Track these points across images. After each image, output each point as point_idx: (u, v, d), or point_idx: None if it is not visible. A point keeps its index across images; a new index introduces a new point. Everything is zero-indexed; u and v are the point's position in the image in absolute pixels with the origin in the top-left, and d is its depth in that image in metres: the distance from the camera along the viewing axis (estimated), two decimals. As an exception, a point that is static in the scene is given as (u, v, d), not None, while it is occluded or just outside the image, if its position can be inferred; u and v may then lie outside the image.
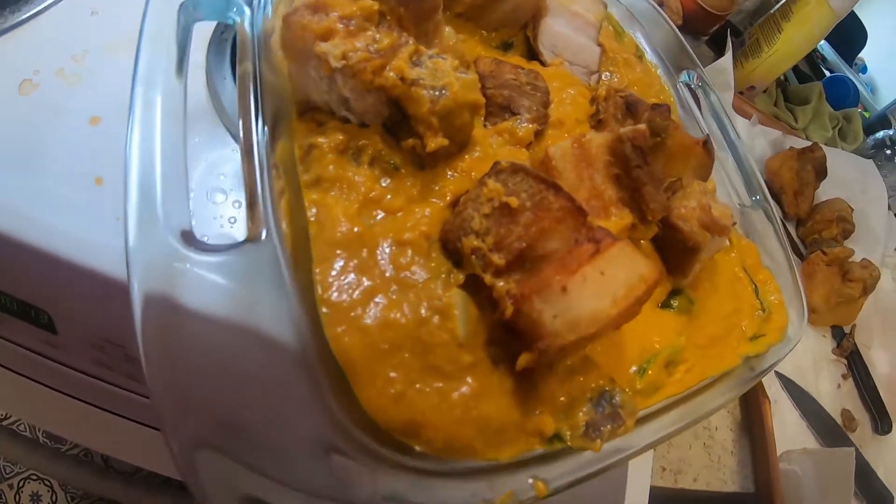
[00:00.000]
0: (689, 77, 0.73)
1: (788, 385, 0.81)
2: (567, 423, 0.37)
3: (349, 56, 0.40)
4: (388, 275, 0.36)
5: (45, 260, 0.46)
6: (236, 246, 0.34)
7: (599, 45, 0.61)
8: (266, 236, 0.35)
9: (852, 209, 1.00)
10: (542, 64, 0.57)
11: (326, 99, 0.43)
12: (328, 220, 0.38)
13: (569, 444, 0.36)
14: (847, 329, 0.92)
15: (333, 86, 0.42)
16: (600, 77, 0.61)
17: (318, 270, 0.36)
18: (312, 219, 0.39)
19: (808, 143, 1.02)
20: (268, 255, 0.34)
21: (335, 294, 0.35)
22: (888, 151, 1.13)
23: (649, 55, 0.72)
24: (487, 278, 0.35)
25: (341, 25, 0.41)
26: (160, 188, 0.33)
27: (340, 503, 0.31)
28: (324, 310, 0.34)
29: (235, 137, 0.55)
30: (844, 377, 0.88)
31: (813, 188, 1.00)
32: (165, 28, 0.41)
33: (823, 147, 1.04)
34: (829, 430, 0.80)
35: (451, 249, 0.38)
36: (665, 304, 0.49)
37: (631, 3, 0.75)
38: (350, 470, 0.32)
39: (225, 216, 0.46)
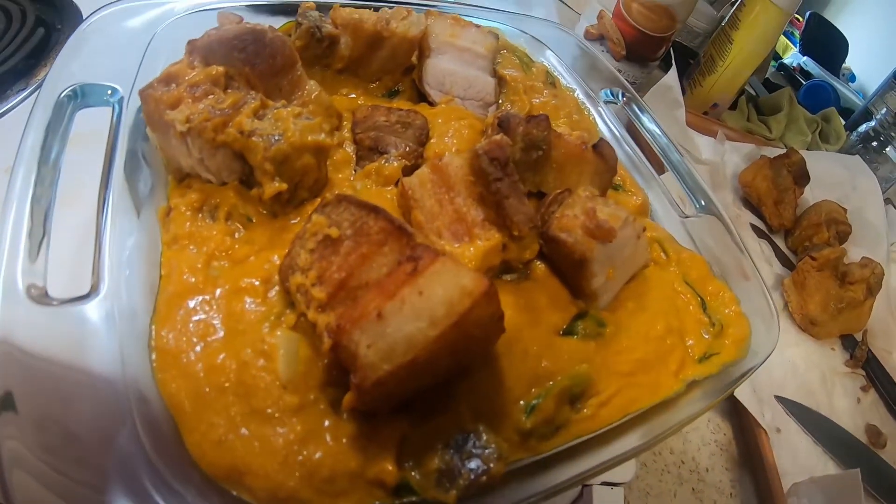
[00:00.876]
0: (611, 95, 0.72)
1: (794, 409, 0.71)
2: (419, 470, 0.33)
3: (191, 118, 0.42)
4: (218, 321, 0.35)
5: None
6: (75, 299, 0.36)
7: (495, 75, 0.61)
8: (104, 290, 0.36)
9: (845, 209, 0.92)
10: (431, 104, 0.56)
11: (191, 163, 0.45)
12: (174, 275, 0.38)
13: (420, 495, 0.32)
14: (858, 336, 0.82)
15: (188, 149, 0.43)
16: (499, 108, 0.60)
17: (155, 320, 0.36)
18: (163, 274, 0.39)
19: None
20: (107, 306, 0.36)
21: (165, 341, 0.35)
22: (874, 143, 1.05)
23: (565, 81, 0.71)
24: (311, 314, 0.33)
25: (188, 93, 0.43)
26: (21, 253, 0.37)
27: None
28: (153, 356, 0.34)
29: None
30: (864, 389, 0.77)
31: (794, 194, 0.93)
32: (47, 116, 0.45)
33: (803, 152, 0.99)
34: (853, 451, 0.68)
35: (285, 290, 0.36)
36: (567, 331, 0.44)
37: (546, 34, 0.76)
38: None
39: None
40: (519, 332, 0.41)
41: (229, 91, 0.44)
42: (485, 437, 0.33)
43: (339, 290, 0.33)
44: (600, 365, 0.43)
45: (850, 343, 0.82)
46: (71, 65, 0.50)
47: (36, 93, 0.72)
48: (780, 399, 0.72)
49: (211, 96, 0.43)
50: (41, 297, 0.35)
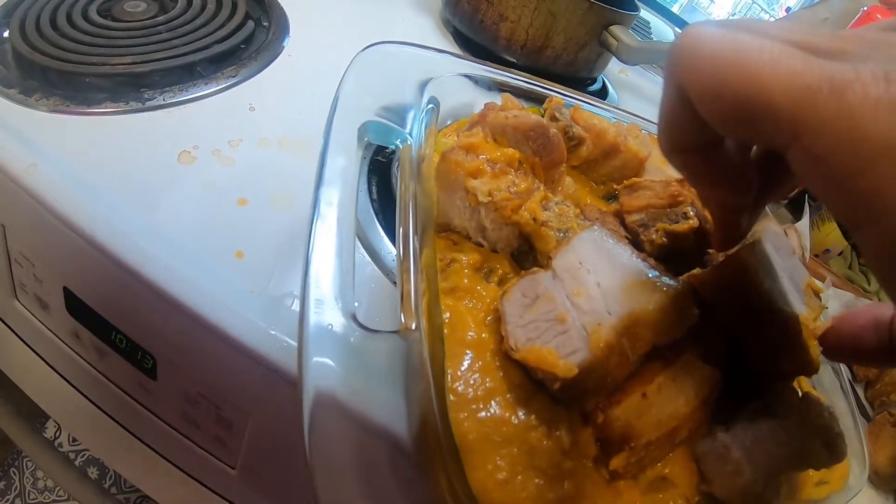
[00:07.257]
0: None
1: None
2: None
3: (494, 194, 0.50)
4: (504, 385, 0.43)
5: (168, 305, 0.53)
6: (395, 332, 0.42)
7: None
8: (415, 327, 0.43)
9: (927, 376, 0.99)
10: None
11: (466, 225, 0.53)
12: (459, 323, 0.46)
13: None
14: (914, 498, 0.89)
15: (476, 215, 0.52)
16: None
17: (449, 363, 0.43)
18: (446, 320, 0.46)
19: (882, 307, 1.04)
20: (415, 342, 0.42)
21: (461, 386, 0.42)
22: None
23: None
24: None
25: (488, 167, 0.52)
26: (336, 281, 0.42)
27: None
28: (451, 397, 0.41)
29: (366, 247, 0.65)
30: (913, 546, 0.84)
31: (885, 354, 1.00)
32: (347, 144, 0.51)
33: None
34: None
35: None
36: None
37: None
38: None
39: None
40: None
41: (520, 175, 0.53)
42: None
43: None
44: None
45: (904, 502, 0.89)
46: (356, 97, 0.56)
47: (241, 83, 0.76)
48: (841, 540, 0.79)
49: (508, 176, 0.52)
50: (359, 323, 0.40)
